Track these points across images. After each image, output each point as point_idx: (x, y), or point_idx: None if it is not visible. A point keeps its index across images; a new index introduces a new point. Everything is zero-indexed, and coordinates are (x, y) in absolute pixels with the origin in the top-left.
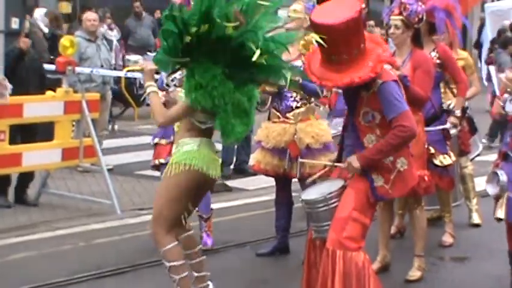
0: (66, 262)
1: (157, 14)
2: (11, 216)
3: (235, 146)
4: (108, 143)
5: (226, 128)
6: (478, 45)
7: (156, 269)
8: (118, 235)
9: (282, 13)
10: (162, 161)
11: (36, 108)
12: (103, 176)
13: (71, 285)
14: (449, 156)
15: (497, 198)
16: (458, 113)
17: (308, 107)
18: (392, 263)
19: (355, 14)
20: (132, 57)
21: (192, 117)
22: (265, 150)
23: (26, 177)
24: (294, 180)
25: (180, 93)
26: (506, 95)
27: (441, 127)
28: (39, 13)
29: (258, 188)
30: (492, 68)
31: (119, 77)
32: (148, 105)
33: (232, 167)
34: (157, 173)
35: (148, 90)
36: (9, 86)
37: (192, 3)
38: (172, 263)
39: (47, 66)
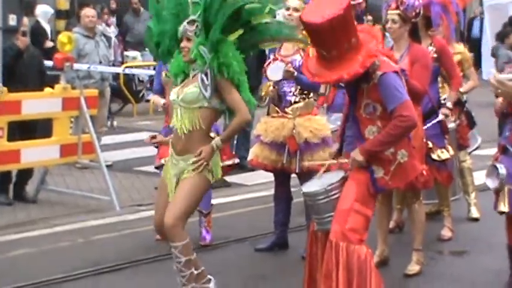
0: (65, 258)
1: None
2: (10, 212)
3: (235, 142)
4: (106, 139)
5: (247, 101)
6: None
7: (155, 265)
8: (117, 231)
9: (281, 12)
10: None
11: (35, 104)
12: (102, 172)
13: (70, 281)
14: (447, 151)
15: (497, 191)
16: (449, 105)
17: (307, 102)
18: (391, 258)
19: (340, 12)
20: (131, 53)
21: (215, 101)
22: (264, 144)
23: (24, 174)
24: (293, 175)
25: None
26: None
27: (435, 120)
28: (41, 10)
29: (257, 184)
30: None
31: (118, 73)
32: (147, 101)
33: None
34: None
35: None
36: None
37: None
38: (188, 257)
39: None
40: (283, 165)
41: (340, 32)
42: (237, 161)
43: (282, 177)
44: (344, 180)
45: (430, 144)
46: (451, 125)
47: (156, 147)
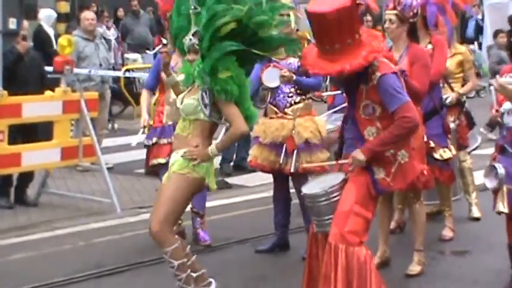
0: (66, 261)
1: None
2: (11, 216)
3: (236, 143)
4: (107, 141)
5: (248, 116)
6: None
7: (156, 268)
8: (118, 234)
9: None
10: (162, 161)
11: (35, 108)
12: (103, 174)
13: (71, 284)
14: (450, 150)
15: (495, 191)
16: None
17: (306, 103)
18: (393, 258)
19: (347, 3)
20: (131, 55)
21: (214, 114)
22: (262, 145)
23: (25, 178)
24: None
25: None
26: (505, 107)
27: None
28: (44, 14)
29: (258, 185)
30: None
31: (118, 76)
32: None
33: (231, 164)
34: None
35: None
36: None
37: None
38: (180, 261)
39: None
40: (280, 166)
41: (346, 24)
42: None
43: (280, 178)
44: (344, 182)
45: (432, 144)
46: (451, 125)
47: (147, 147)
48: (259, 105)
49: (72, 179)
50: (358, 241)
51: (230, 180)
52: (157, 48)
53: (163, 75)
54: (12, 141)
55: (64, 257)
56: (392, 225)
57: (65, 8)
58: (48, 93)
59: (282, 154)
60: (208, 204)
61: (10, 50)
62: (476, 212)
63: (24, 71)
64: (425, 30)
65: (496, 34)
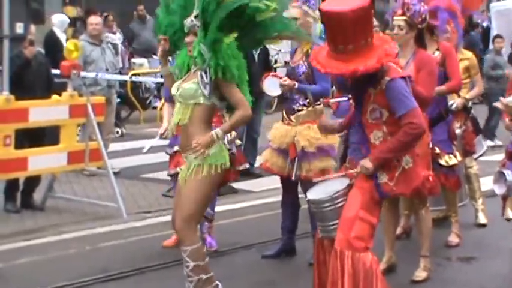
0: (72, 266)
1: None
2: (17, 220)
3: (242, 148)
4: (114, 146)
5: (246, 99)
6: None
7: (162, 272)
8: (124, 238)
9: None
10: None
11: (42, 112)
12: (109, 179)
13: None
14: (455, 156)
15: (504, 198)
16: (439, 90)
17: (309, 110)
18: (398, 264)
19: (365, 4)
20: (138, 60)
21: (214, 98)
22: (272, 150)
23: (32, 182)
24: None
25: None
26: None
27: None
28: (57, 19)
29: (264, 190)
30: None
31: (125, 81)
32: (154, 108)
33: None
34: (162, 176)
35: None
36: None
37: None
38: (197, 262)
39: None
40: (289, 171)
41: (361, 24)
42: (247, 166)
43: (288, 184)
44: (349, 188)
45: (438, 150)
46: (457, 131)
47: (169, 154)
48: (265, 110)
49: (79, 184)
50: (364, 247)
51: (236, 185)
52: None
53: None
54: (18, 145)
55: (70, 261)
56: (399, 231)
57: (72, 12)
58: (54, 97)
59: (288, 161)
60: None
61: (17, 55)
62: (482, 218)
63: (31, 76)
64: (430, 36)
65: (493, 39)
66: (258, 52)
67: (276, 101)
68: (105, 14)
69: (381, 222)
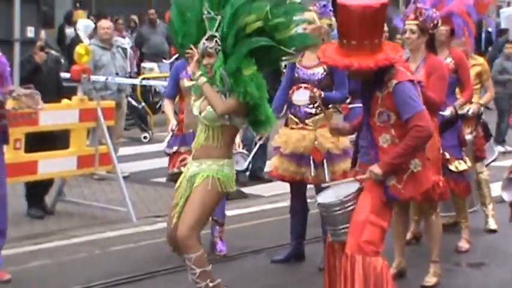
0: (82, 270)
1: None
2: (28, 224)
3: (252, 153)
4: (124, 150)
5: (268, 117)
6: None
7: (172, 277)
8: (133, 243)
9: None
10: (183, 169)
11: (52, 116)
12: (119, 183)
13: None
14: (465, 162)
15: None
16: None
17: (328, 112)
18: (408, 269)
19: (385, 1)
20: (148, 64)
21: (236, 119)
22: (283, 156)
23: (44, 186)
24: (309, 186)
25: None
26: None
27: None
28: (82, 24)
29: (274, 195)
30: None
31: (135, 85)
32: (163, 112)
33: (248, 173)
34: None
35: (200, 81)
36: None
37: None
38: (203, 269)
39: (62, 74)
40: (302, 177)
41: (379, 22)
42: None
43: (298, 189)
44: (360, 191)
45: (447, 156)
46: (468, 137)
47: (168, 154)
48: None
49: (89, 188)
50: (375, 251)
51: (246, 190)
52: (173, 58)
53: (181, 83)
54: (29, 149)
55: (80, 266)
56: (409, 236)
57: (82, 16)
58: (65, 101)
59: (311, 165)
60: None
61: (28, 60)
62: (492, 224)
63: (41, 82)
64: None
65: (504, 44)
66: None
67: (286, 106)
68: (115, 18)
69: (390, 227)
